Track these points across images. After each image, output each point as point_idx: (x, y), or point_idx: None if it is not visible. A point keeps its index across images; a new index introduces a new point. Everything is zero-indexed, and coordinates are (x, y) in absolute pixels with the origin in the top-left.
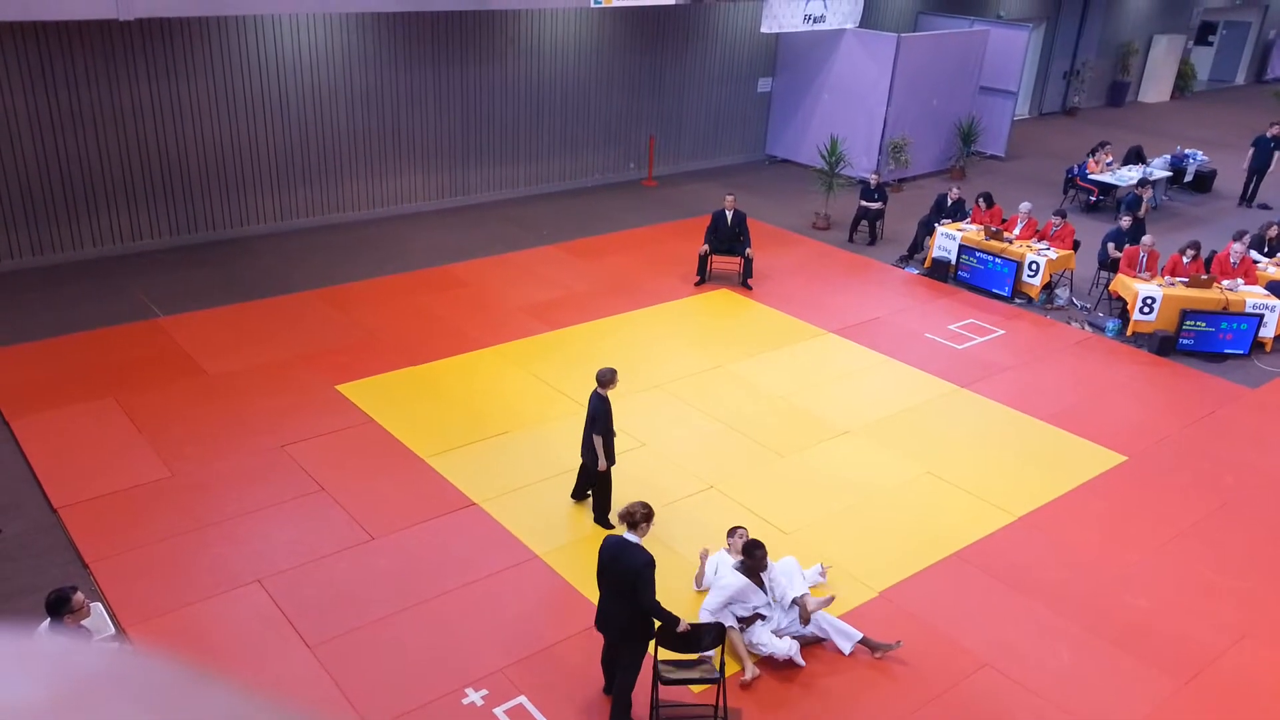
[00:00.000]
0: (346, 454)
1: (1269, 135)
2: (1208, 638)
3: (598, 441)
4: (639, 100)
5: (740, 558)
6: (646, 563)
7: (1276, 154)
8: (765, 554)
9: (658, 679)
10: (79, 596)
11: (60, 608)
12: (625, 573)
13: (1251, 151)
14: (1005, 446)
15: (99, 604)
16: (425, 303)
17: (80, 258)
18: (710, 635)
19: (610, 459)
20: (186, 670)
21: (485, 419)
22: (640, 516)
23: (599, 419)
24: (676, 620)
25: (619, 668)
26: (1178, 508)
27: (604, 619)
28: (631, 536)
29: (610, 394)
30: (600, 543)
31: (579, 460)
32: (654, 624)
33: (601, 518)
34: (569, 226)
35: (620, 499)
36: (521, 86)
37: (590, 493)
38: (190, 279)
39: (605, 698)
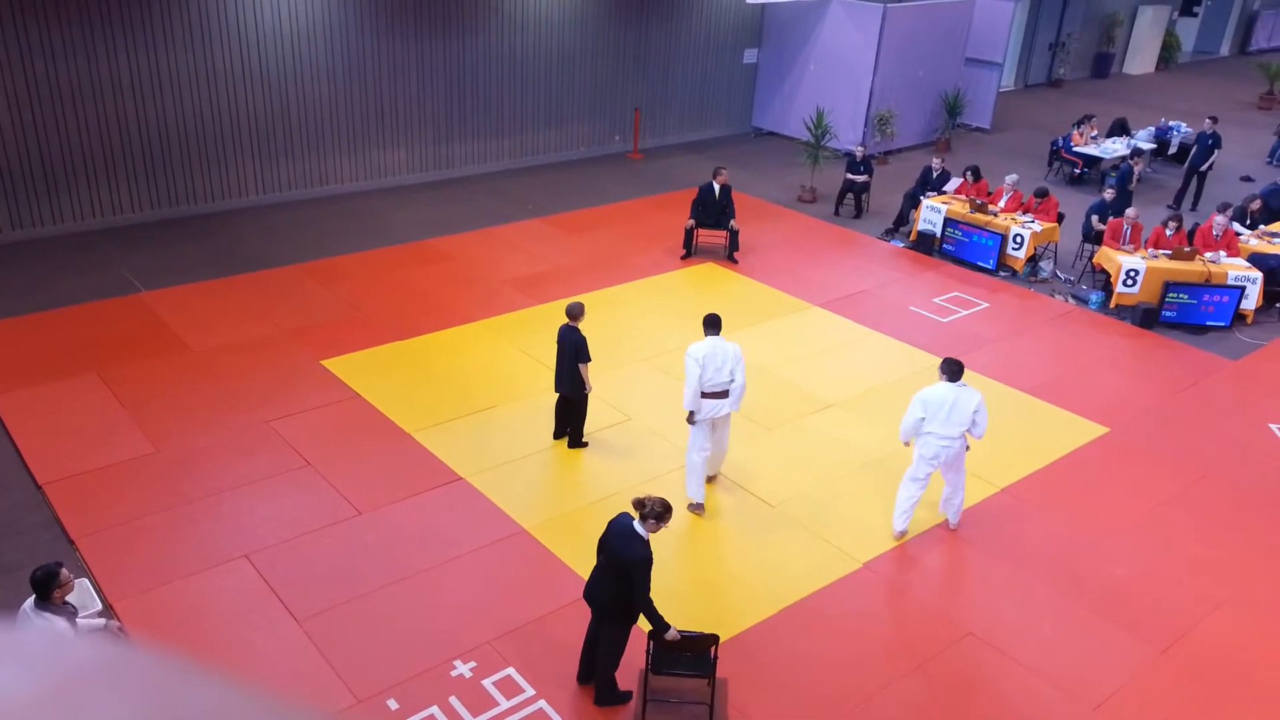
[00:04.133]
0: (332, 429)
1: (1208, 131)
2: (1186, 606)
3: (584, 369)
4: (624, 72)
5: None
6: (643, 559)
7: (1216, 152)
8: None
9: (649, 666)
10: (65, 572)
11: (49, 584)
12: (622, 560)
13: (1194, 149)
14: (989, 418)
15: (85, 579)
16: (410, 277)
17: (61, 232)
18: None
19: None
20: (178, 663)
21: (471, 393)
22: (651, 511)
23: (582, 349)
24: (666, 627)
25: (600, 646)
26: (1159, 479)
27: (592, 590)
28: (639, 528)
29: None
30: (596, 521)
31: (564, 432)
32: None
33: (577, 441)
34: (554, 200)
35: (606, 471)
36: (505, 58)
37: (569, 423)
38: (173, 253)
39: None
